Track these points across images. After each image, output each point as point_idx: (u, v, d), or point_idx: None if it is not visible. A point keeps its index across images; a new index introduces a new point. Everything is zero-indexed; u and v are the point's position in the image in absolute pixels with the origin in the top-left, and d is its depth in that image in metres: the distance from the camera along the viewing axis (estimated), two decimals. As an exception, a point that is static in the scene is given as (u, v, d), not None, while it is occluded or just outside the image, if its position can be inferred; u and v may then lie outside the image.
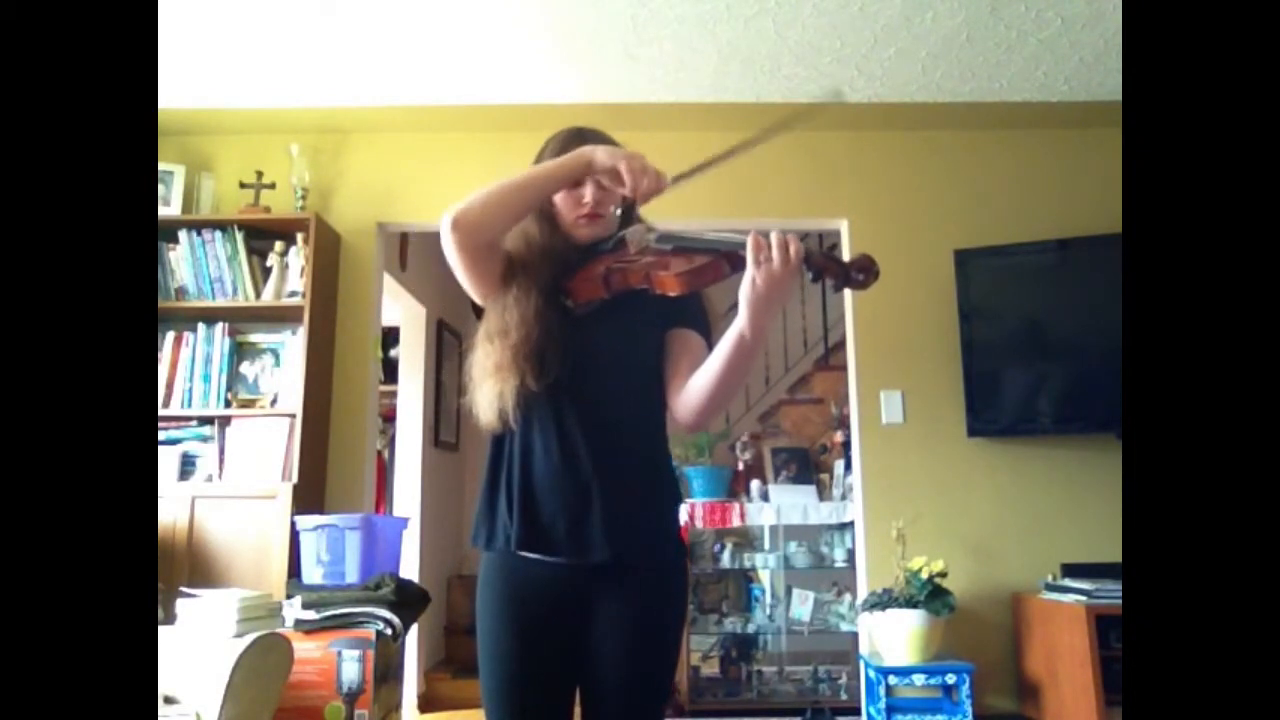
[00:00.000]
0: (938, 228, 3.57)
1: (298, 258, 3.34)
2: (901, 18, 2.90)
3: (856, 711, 3.57)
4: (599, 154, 1.35)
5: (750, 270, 1.19)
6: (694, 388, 1.36)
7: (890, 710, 3.07)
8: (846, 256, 1.30)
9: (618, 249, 1.38)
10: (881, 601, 3.09)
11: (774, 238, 1.19)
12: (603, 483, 1.35)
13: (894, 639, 3.05)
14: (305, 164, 3.48)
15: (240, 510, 3.04)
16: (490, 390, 1.35)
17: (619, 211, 1.41)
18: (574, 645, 1.37)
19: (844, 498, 4.11)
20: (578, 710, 1.40)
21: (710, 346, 1.41)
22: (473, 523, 1.44)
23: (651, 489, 1.42)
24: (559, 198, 1.42)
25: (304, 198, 3.46)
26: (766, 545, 4.28)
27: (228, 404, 3.24)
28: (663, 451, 1.46)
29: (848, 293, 3.56)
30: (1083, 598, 2.88)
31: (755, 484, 4.31)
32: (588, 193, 1.41)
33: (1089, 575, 3.01)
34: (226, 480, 3.15)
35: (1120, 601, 2.78)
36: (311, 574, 2.75)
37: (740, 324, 1.24)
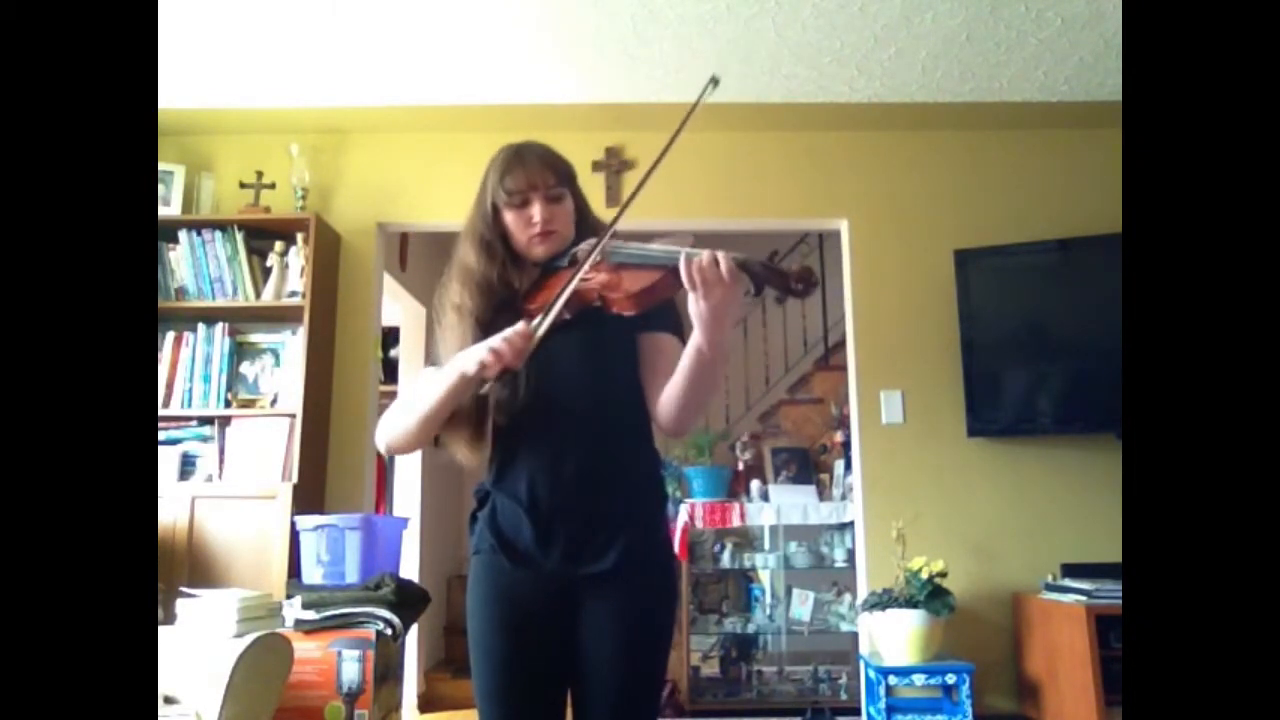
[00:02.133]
0: (937, 228, 3.57)
1: (298, 258, 3.34)
2: (901, 18, 2.90)
3: (856, 711, 3.57)
4: (467, 364, 1.28)
5: (690, 292, 1.20)
6: (666, 400, 1.36)
7: (890, 710, 3.07)
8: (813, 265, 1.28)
9: (572, 266, 1.36)
10: (881, 601, 3.09)
11: (704, 257, 1.18)
12: (587, 499, 1.35)
13: (894, 639, 3.04)
14: (305, 164, 3.48)
15: (240, 510, 3.04)
16: (465, 436, 1.37)
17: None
18: (563, 644, 1.36)
19: (844, 498, 4.10)
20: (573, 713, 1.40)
21: (683, 341, 1.39)
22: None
23: (637, 496, 1.41)
24: (510, 221, 1.42)
25: (304, 198, 3.46)
26: (766, 545, 4.28)
27: (228, 404, 3.24)
28: (647, 455, 1.45)
29: (847, 292, 3.59)
30: (1083, 598, 2.88)
31: (755, 484, 4.30)
32: (535, 212, 1.40)
33: (1089, 575, 3.01)
34: (226, 480, 3.15)
35: (1120, 601, 2.78)
36: (311, 574, 2.76)
37: (696, 340, 1.25)
